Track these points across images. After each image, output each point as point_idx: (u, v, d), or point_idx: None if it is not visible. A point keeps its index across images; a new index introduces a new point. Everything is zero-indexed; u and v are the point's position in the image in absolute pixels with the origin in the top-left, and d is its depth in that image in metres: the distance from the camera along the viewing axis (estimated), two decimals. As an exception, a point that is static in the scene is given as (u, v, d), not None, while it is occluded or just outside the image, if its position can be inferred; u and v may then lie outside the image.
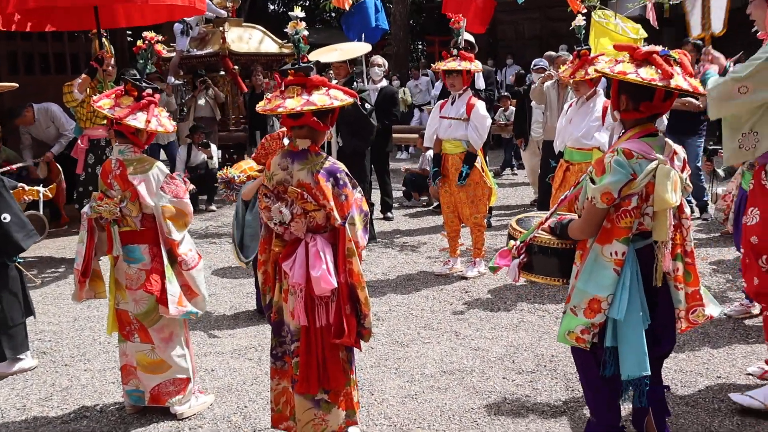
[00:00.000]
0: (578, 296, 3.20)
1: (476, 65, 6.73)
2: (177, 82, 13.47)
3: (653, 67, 3.03)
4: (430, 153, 10.50)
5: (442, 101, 6.91)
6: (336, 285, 3.49)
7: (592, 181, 3.13)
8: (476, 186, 6.61)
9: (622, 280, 3.12)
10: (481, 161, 6.69)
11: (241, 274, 7.14)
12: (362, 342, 3.63)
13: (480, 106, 6.61)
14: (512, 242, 3.49)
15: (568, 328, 3.22)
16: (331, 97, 3.46)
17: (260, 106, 3.56)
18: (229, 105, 13.16)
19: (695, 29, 4.96)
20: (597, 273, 3.15)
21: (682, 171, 3.21)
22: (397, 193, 10.86)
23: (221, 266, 7.48)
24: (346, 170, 3.58)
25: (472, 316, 5.76)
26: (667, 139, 3.22)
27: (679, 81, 3.01)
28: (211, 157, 10.37)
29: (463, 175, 6.52)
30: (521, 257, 3.43)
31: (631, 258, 3.13)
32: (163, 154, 11.86)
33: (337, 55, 7.29)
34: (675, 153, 3.21)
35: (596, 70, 3.13)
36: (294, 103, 3.41)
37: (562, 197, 3.42)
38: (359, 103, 7.36)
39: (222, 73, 13.01)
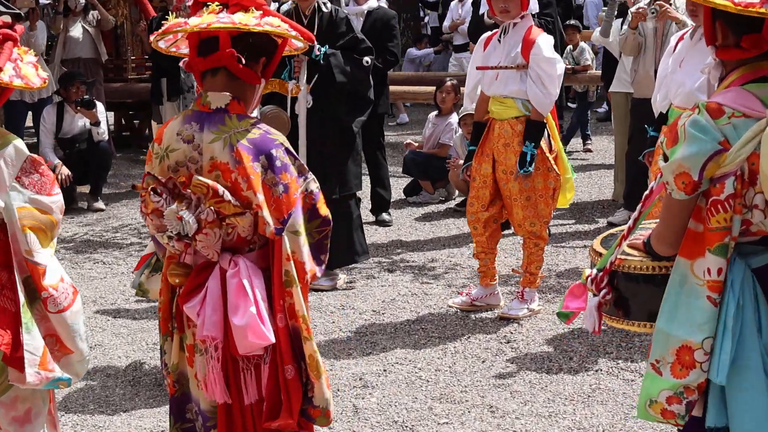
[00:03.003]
0: (661, 343, 3.19)
1: None
2: (42, 1, 13.51)
3: None
4: (431, 116, 10.55)
5: (487, 35, 6.94)
6: (273, 339, 3.47)
7: (665, 158, 3.14)
8: (536, 175, 6.64)
9: (723, 318, 3.11)
10: (550, 134, 6.73)
11: (144, 312, 7.17)
12: (315, 426, 3.62)
13: (543, 42, 6.63)
14: (588, 272, 3.48)
15: (650, 395, 3.22)
16: (263, 22, 3.49)
17: (154, 36, 3.64)
18: (127, 39, 13.22)
19: None
20: (685, 305, 3.15)
21: None
22: (399, 182, 10.90)
23: (113, 300, 7.51)
24: (287, 144, 3.57)
25: (518, 380, 5.79)
26: None
27: None
28: (97, 123, 10.40)
29: (528, 159, 6.55)
30: (601, 294, 3.41)
31: (739, 281, 3.12)
32: (30, 122, 11.89)
33: None
34: None
35: None
36: (199, 21, 3.45)
37: (647, 192, 3.42)
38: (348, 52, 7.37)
39: (116, -13, 13.08)
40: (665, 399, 3.17)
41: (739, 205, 3.08)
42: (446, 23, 16.17)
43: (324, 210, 3.58)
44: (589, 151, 13.05)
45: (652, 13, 7.92)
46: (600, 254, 3.52)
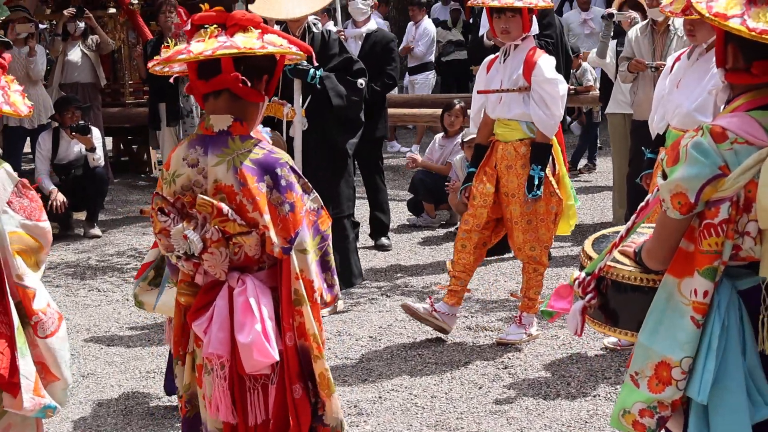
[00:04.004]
0: (641, 357, 3.26)
1: None
2: (41, 25, 13.58)
3: None
4: (438, 138, 10.54)
5: (490, 58, 6.96)
6: (277, 357, 3.53)
7: (664, 176, 3.19)
8: (539, 200, 6.64)
9: (707, 338, 3.17)
10: (554, 158, 6.73)
11: (138, 340, 7.20)
12: None
13: (545, 63, 6.65)
14: (576, 274, 3.55)
15: (624, 406, 3.29)
16: (265, 41, 3.55)
17: (154, 62, 3.66)
18: (124, 63, 13.27)
19: None
20: (668, 321, 3.21)
21: None
22: (399, 206, 10.93)
23: (107, 328, 7.53)
24: (292, 163, 3.63)
25: (515, 407, 5.80)
26: None
27: None
28: (92, 149, 10.44)
29: (536, 182, 6.55)
30: (587, 298, 3.47)
31: (725, 303, 3.17)
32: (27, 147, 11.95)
33: (299, 4, 7.32)
34: None
35: (680, 11, 3.18)
36: (203, 47, 3.49)
37: (643, 203, 3.46)
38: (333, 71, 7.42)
39: (112, 10, 13.12)
40: (638, 411, 3.24)
41: (731, 231, 3.13)
42: (401, 45, 16.13)
43: (324, 226, 3.65)
44: (581, 173, 13.04)
45: (652, 70, 8.00)
46: (590, 258, 3.57)
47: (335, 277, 3.74)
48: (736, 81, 3.24)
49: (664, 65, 7.65)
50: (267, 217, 3.50)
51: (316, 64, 7.11)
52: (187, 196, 3.59)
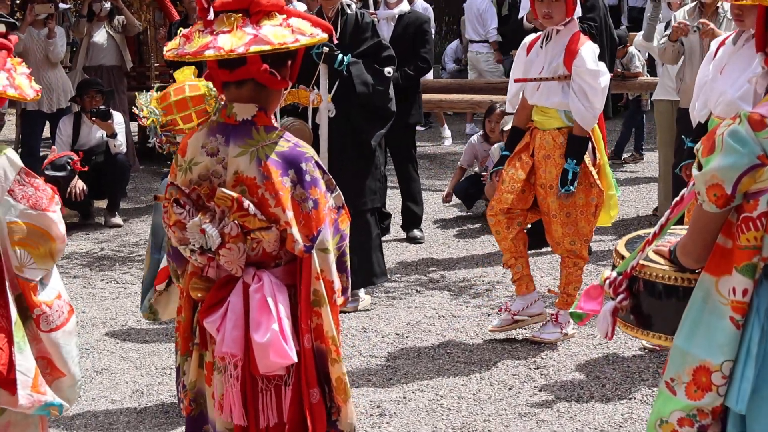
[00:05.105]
0: (677, 362, 3.22)
1: None
2: (64, 5, 13.67)
3: None
4: (480, 143, 10.47)
5: (531, 38, 6.89)
6: (295, 359, 3.51)
7: (699, 167, 3.13)
8: (578, 190, 6.55)
9: (746, 343, 3.12)
10: (595, 147, 6.66)
11: (156, 335, 7.21)
12: None
13: (587, 52, 6.54)
14: (607, 274, 3.52)
15: (661, 415, 3.24)
16: (294, 30, 3.51)
17: (169, 48, 3.61)
18: (150, 45, 13.32)
19: None
20: (706, 323, 3.16)
21: None
22: (433, 197, 10.88)
23: (123, 321, 7.55)
24: (317, 158, 3.61)
25: (546, 409, 5.76)
26: None
27: None
28: (113, 135, 10.46)
29: (570, 176, 6.48)
30: (619, 299, 3.44)
31: (765, 306, 3.12)
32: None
33: None
34: None
35: None
36: (233, 41, 3.44)
37: (677, 198, 3.42)
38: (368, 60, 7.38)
39: (138, -9, 13.21)
40: (677, 420, 3.21)
41: None
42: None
43: (344, 225, 3.64)
44: (626, 163, 12.94)
45: (695, 30, 7.88)
46: (623, 257, 3.55)
47: (349, 279, 3.74)
48: None
49: (707, 24, 7.51)
50: (290, 214, 3.48)
51: (336, 41, 7.08)
52: (203, 187, 3.58)
